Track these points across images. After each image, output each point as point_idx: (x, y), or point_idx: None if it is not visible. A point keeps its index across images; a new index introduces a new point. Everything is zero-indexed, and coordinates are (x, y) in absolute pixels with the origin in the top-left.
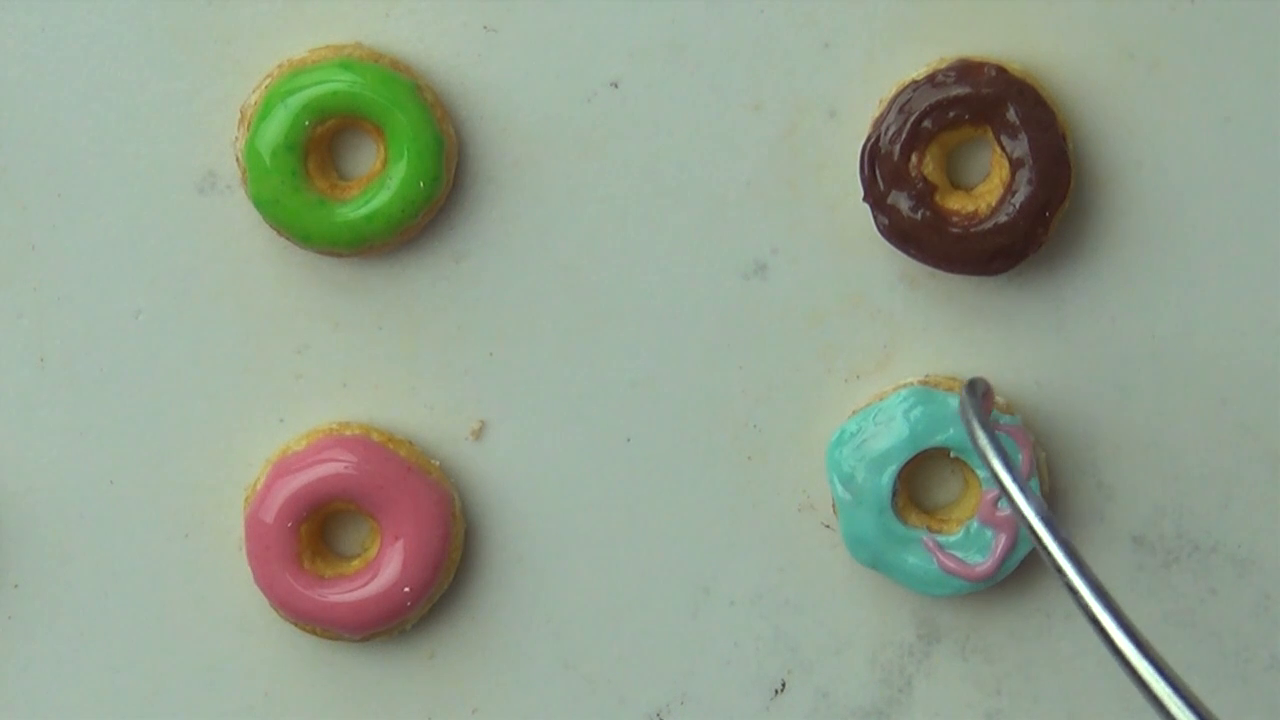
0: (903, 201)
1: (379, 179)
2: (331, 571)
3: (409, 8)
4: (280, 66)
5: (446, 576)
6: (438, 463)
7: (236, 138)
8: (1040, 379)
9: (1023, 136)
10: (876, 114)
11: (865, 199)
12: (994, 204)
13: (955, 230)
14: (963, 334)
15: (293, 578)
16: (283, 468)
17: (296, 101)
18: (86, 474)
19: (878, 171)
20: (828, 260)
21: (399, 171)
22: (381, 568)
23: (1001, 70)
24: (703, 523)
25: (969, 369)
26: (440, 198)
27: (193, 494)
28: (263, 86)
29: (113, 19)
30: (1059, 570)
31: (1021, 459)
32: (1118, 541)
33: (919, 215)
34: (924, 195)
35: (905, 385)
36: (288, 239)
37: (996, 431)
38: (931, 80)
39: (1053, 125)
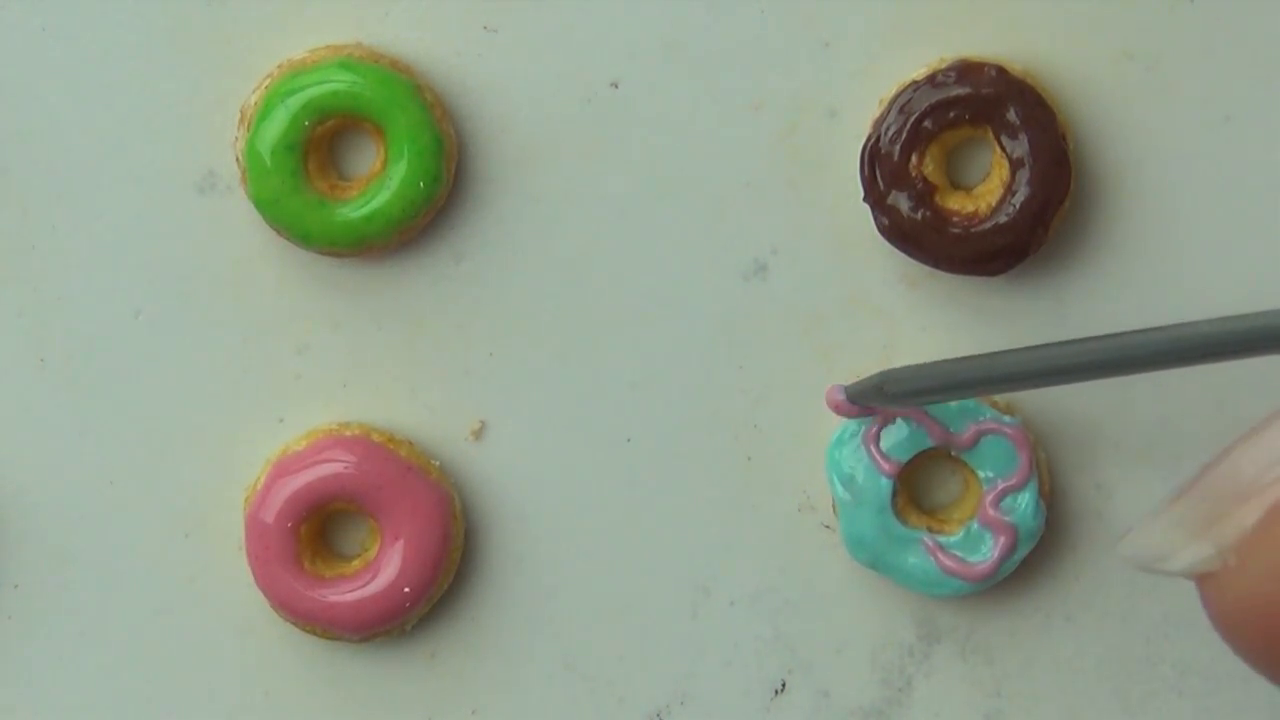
0: (903, 201)
1: (379, 179)
2: (332, 572)
3: (409, 8)
4: (280, 66)
5: (446, 576)
6: (438, 463)
7: (236, 138)
8: None
9: (1023, 136)
10: (876, 114)
11: (865, 199)
12: (994, 204)
13: (955, 230)
14: (963, 334)
15: (293, 578)
16: (283, 468)
17: (296, 101)
18: (86, 474)
19: (878, 171)
20: (828, 260)
21: (399, 171)
22: (381, 568)
23: (1001, 70)
24: (703, 523)
25: None
26: (440, 198)
27: (193, 494)
28: (263, 86)
29: (112, 19)
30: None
31: (1021, 459)
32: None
33: (919, 215)
34: (924, 195)
35: None
36: (288, 239)
37: (994, 434)
38: (931, 80)
39: (1053, 125)
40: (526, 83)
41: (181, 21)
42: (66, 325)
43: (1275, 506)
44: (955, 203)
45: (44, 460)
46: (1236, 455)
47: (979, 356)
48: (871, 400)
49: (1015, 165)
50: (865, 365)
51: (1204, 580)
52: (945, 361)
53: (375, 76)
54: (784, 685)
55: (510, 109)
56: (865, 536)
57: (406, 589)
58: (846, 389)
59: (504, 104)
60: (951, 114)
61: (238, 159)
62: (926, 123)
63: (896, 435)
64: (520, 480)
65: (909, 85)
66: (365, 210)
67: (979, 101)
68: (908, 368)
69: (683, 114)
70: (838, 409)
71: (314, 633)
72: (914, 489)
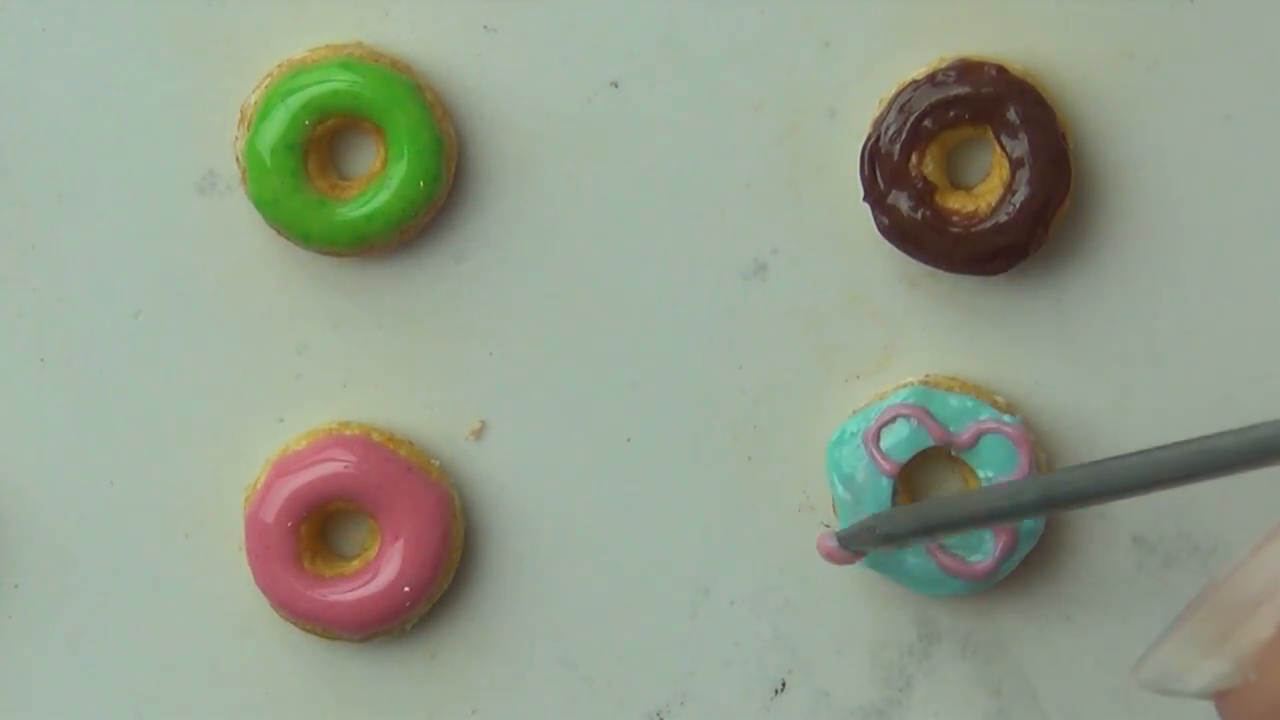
0: (903, 201)
1: (379, 179)
2: (332, 571)
3: (409, 8)
4: (280, 66)
5: (446, 576)
6: (438, 463)
7: (236, 138)
8: (1040, 379)
9: (1023, 136)
10: (876, 114)
11: (865, 199)
12: (994, 204)
13: (955, 230)
14: (963, 334)
15: (293, 578)
16: (283, 467)
17: (296, 101)
18: (86, 474)
19: (878, 171)
20: (828, 260)
21: (399, 171)
22: (381, 568)
23: (1001, 70)
24: (703, 523)
25: (969, 369)
26: (440, 198)
27: (193, 494)
28: (263, 86)
29: (112, 19)
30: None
31: (1021, 460)
32: (1118, 541)
33: (919, 215)
34: (924, 195)
35: (905, 385)
36: (288, 239)
37: (994, 434)
38: (931, 80)
39: (1053, 125)
40: (526, 83)
41: (181, 21)
42: (66, 325)
43: None
44: (955, 202)
45: (44, 460)
46: (1243, 571)
47: (969, 493)
48: (863, 544)
49: (1015, 165)
50: (865, 365)
51: (1223, 698)
52: (934, 500)
53: (375, 76)
54: (784, 685)
55: (510, 109)
56: None
57: (406, 589)
58: (838, 535)
59: (504, 104)
60: (951, 113)
61: (238, 159)
62: (926, 122)
63: (897, 435)
64: (520, 480)
65: (909, 85)
66: (365, 210)
67: (979, 101)
68: (897, 509)
69: (683, 114)
70: (830, 556)
71: (314, 633)
72: (914, 489)
